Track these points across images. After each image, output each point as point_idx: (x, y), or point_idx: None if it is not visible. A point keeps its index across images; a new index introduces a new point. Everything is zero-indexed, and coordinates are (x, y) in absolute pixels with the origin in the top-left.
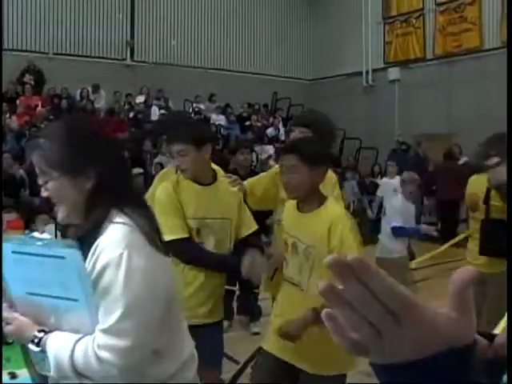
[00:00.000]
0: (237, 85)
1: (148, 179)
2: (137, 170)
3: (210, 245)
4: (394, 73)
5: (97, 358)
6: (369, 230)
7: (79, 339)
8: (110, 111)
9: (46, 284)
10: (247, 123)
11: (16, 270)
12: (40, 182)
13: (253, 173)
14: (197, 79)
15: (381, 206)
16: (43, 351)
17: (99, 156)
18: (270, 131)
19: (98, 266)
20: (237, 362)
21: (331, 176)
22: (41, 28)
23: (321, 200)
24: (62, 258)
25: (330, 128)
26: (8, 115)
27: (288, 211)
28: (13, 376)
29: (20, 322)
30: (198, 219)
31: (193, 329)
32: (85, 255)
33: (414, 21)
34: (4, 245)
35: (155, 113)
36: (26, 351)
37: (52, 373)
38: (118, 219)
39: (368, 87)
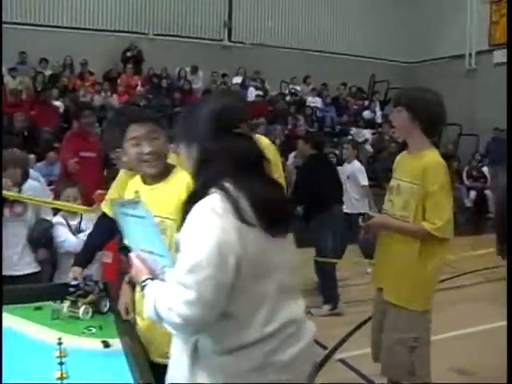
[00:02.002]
0: (334, 67)
1: None
2: None
3: None
4: (499, 55)
5: (166, 306)
6: (465, 219)
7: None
8: (207, 92)
9: (143, 241)
10: (343, 105)
11: (126, 228)
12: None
13: None
14: (293, 60)
15: (479, 195)
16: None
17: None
18: (367, 114)
19: (185, 224)
20: (324, 348)
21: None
22: (141, 10)
23: None
24: (143, 217)
25: (430, 107)
26: (109, 93)
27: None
28: (106, 345)
29: (137, 269)
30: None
31: None
32: None
33: None
34: (114, 207)
35: (251, 94)
36: (118, 321)
37: (146, 315)
38: (218, 189)
39: (471, 70)
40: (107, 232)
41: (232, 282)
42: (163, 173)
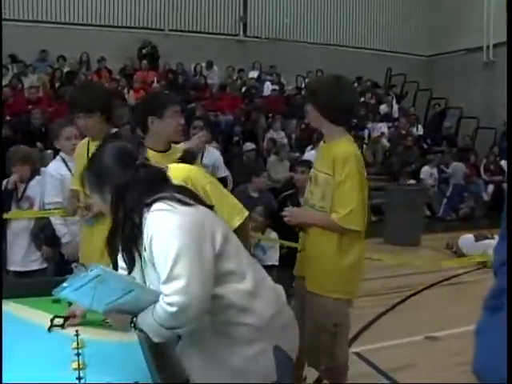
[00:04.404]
0: (349, 60)
1: (260, 155)
2: (249, 145)
3: None
4: None
5: (167, 304)
6: (483, 213)
7: (154, 306)
8: (223, 86)
9: (108, 294)
10: (361, 100)
11: (86, 299)
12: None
13: None
14: (309, 55)
15: (497, 189)
16: (140, 330)
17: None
18: (383, 108)
19: (148, 242)
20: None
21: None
22: (157, 6)
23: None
24: (98, 275)
25: (328, 95)
26: (126, 90)
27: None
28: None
29: (116, 321)
30: None
31: None
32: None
33: None
34: (62, 291)
35: (268, 88)
36: None
37: (155, 340)
38: (153, 206)
39: (489, 63)
40: None
41: (217, 251)
42: None
